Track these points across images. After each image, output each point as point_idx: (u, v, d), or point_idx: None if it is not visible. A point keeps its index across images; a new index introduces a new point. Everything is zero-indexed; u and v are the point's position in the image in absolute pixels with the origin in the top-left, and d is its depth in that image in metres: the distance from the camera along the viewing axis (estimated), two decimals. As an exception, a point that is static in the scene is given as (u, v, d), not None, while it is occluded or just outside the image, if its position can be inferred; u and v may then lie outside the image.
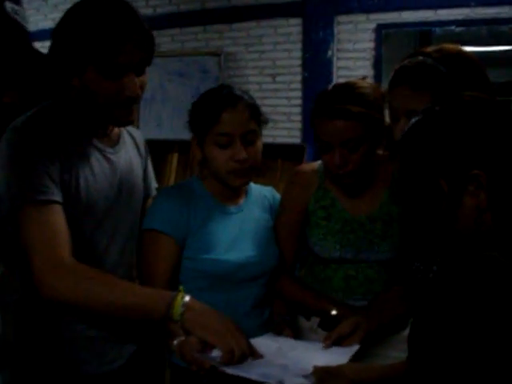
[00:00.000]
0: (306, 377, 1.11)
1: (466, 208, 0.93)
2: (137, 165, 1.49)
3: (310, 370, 1.12)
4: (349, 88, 1.39)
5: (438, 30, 3.81)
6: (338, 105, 1.35)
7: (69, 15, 1.24)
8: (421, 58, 1.27)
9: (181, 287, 1.21)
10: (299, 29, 4.16)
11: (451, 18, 3.70)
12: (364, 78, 1.50)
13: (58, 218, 1.19)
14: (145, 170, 1.55)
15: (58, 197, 1.20)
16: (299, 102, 4.21)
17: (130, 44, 1.20)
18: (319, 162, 1.56)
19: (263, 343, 1.24)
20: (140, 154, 1.53)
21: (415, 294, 1.30)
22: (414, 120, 0.99)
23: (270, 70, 4.32)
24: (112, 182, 1.35)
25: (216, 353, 1.14)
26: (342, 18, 4.02)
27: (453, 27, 3.74)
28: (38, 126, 1.22)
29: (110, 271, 1.34)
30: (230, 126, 1.36)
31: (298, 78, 4.21)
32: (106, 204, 1.33)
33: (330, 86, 1.44)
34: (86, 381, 1.33)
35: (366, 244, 1.47)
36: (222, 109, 1.36)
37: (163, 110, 4.54)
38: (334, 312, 1.42)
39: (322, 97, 1.42)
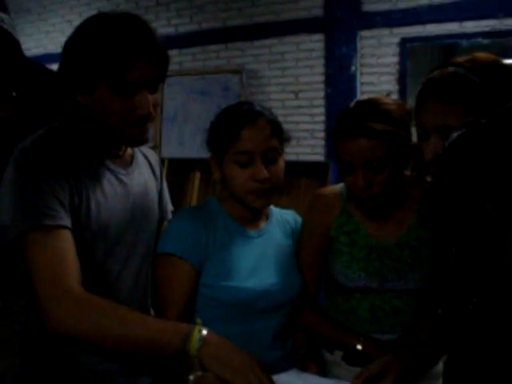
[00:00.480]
0: None
1: None
2: (151, 187, 1.43)
3: None
4: (372, 105, 1.31)
5: (464, 42, 3.72)
6: (361, 122, 1.27)
7: (79, 31, 1.19)
8: (452, 68, 1.17)
9: (198, 320, 1.15)
10: (321, 44, 4.12)
11: (477, 29, 3.61)
12: (388, 94, 1.42)
13: (66, 244, 1.13)
14: (160, 192, 1.50)
15: (66, 221, 1.14)
16: (322, 118, 4.15)
17: (142, 60, 1.15)
18: (342, 184, 1.48)
19: (288, 380, 1.16)
20: (155, 176, 1.47)
21: (451, 327, 1.20)
22: (455, 135, 0.91)
23: (292, 86, 4.27)
24: (125, 206, 1.30)
25: None
26: (365, 33, 3.96)
27: (479, 39, 3.64)
28: (46, 147, 1.17)
29: (124, 299, 1.28)
30: (250, 143, 1.29)
31: (321, 94, 4.15)
32: (118, 229, 1.27)
33: (352, 103, 1.36)
34: None
35: (393, 272, 1.38)
36: (242, 125, 1.29)
37: (185, 128, 4.52)
38: (359, 347, 1.33)
39: (344, 114, 1.34)
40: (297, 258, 1.46)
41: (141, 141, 1.26)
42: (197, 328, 1.11)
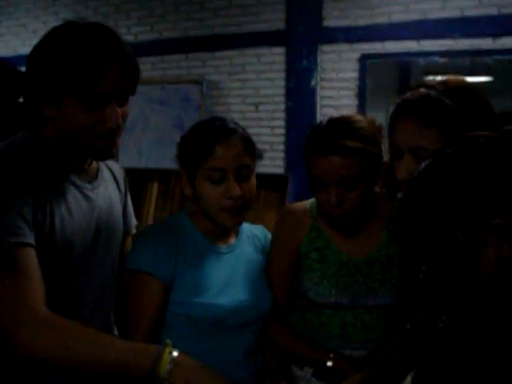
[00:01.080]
0: None
1: (486, 261, 0.85)
2: (116, 201, 1.39)
3: None
4: (344, 123, 1.31)
5: (421, 60, 3.82)
6: (334, 140, 1.27)
7: (46, 39, 1.15)
8: (424, 90, 1.20)
9: (168, 340, 1.10)
10: (282, 58, 4.14)
11: (434, 48, 3.71)
12: (360, 113, 1.43)
13: (30, 262, 1.07)
14: (124, 207, 1.46)
15: (30, 239, 1.08)
16: (282, 131, 4.17)
17: (112, 72, 1.12)
18: (310, 200, 1.48)
19: None
20: (119, 190, 1.43)
21: (419, 343, 1.21)
22: (424, 164, 0.92)
23: (252, 98, 4.28)
24: (90, 221, 1.25)
25: None
26: (325, 48, 4.00)
27: (436, 58, 3.74)
28: (9, 161, 1.12)
29: (88, 316, 1.24)
30: (223, 160, 1.28)
31: (282, 107, 4.17)
32: (83, 244, 1.22)
33: (324, 121, 1.36)
34: None
35: (363, 288, 1.38)
36: (215, 142, 1.28)
37: (144, 138, 4.46)
38: (329, 363, 1.33)
39: (316, 132, 1.34)
40: (267, 274, 1.44)
41: (109, 154, 1.22)
42: (167, 349, 1.07)
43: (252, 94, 4.28)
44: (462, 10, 3.62)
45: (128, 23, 4.70)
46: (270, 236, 1.51)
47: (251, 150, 1.34)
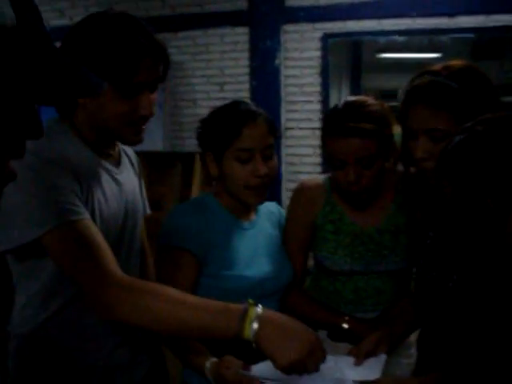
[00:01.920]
0: None
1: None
2: (136, 184, 1.45)
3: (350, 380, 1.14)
4: (360, 106, 1.41)
5: (381, 39, 3.95)
6: (352, 123, 1.37)
7: (79, 30, 1.18)
8: (429, 76, 1.30)
9: (250, 300, 1.11)
10: (246, 37, 4.18)
11: (394, 27, 3.82)
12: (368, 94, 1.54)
13: (93, 232, 1.13)
14: (140, 188, 1.51)
15: (87, 214, 1.14)
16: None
17: (146, 63, 1.17)
18: (324, 176, 1.57)
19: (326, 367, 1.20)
20: (135, 172, 1.49)
21: (429, 302, 1.33)
22: (456, 139, 1.02)
23: (217, 78, 4.31)
24: (120, 204, 1.31)
25: (258, 367, 1.12)
26: (288, 27, 4.06)
27: (396, 36, 3.88)
28: (52, 147, 1.16)
29: None
30: (250, 141, 1.36)
31: (246, 86, 4.22)
32: (116, 228, 1.28)
33: (341, 104, 1.45)
34: None
35: (375, 256, 1.50)
36: (243, 124, 1.35)
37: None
38: (345, 326, 1.44)
39: (334, 115, 1.43)
40: (285, 247, 1.53)
41: (138, 140, 1.27)
42: (251, 308, 1.08)
43: (216, 74, 4.31)
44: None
45: (86, 3, 4.59)
46: (283, 211, 1.61)
47: (274, 131, 1.42)
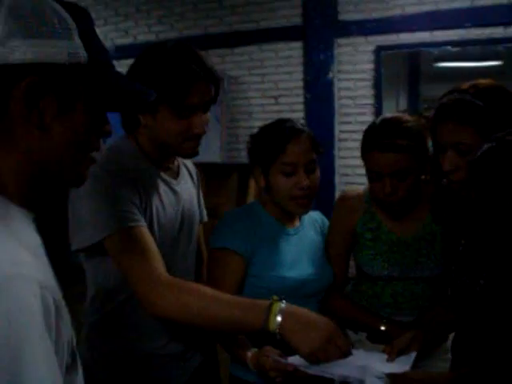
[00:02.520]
0: (379, 378, 1.24)
1: None
2: (193, 193, 1.61)
3: (382, 374, 1.24)
4: (396, 123, 1.51)
5: (434, 50, 3.97)
6: (387, 139, 1.47)
7: (141, 60, 1.35)
8: (458, 94, 1.39)
9: (274, 296, 1.23)
10: (300, 52, 4.30)
11: (447, 38, 3.84)
12: (404, 111, 1.62)
13: (147, 238, 1.28)
14: (198, 198, 1.67)
15: (143, 222, 1.30)
16: (302, 122, 4.25)
17: (199, 86, 1.32)
18: (364, 187, 1.67)
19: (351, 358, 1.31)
20: (194, 183, 1.64)
21: (459, 307, 1.40)
22: (486, 146, 1.11)
23: (272, 92, 4.45)
24: (177, 212, 1.47)
25: (293, 358, 1.23)
26: (341, 41, 4.16)
27: (448, 47, 3.89)
28: (117, 161, 1.34)
29: None
30: (294, 156, 1.48)
31: (301, 99, 4.34)
32: (172, 233, 1.44)
33: (378, 121, 1.55)
34: None
35: (411, 262, 1.58)
36: (288, 141, 1.48)
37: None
38: (383, 328, 1.52)
39: (371, 131, 1.54)
40: (326, 253, 1.64)
41: (194, 154, 1.43)
42: (275, 304, 1.20)
43: (271, 88, 4.45)
44: (473, 0, 3.75)
45: (148, 22, 4.86)
46: (326, 220, 1.71)
47: (316, 147, 1.54)
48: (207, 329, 1.35)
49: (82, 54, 0.77)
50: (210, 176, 4.63)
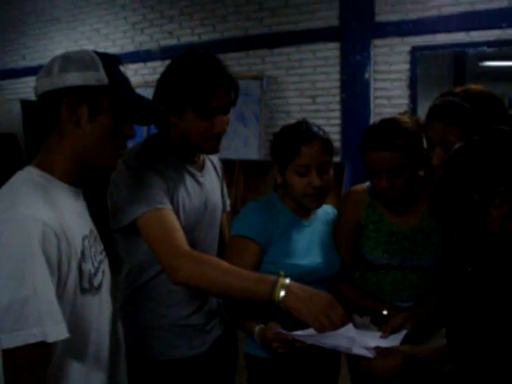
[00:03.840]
0: (368, 349, 1.38)
1: (492, 216, 1.16)
2: (216, 185, 1.77)
3: (371, 345, 1.39)
4: (393, 124, 1.63)
5: (470, 50, 4.00)
6: (383, 138, 1.59)
7: (171, 68, 1.53)
8: (450, 97, 1.51)
9: (281, 272, 1.39)
10: (337, 52, 4.41)
11: (483, 39, 3.87)
12: (404, 112, 1.74)
13: (173, 219, 1.46)
14: (221, 189, 1.83)
15: (169, 206, 1.48)
16: (338, 121, 4.44)
17: (221, 91, 1.48)
18: (368, 183, 1.79)
19: (343, 330, 1.43)
20: (218, 176, 1.81)
21: (452, 293, 1.50)
22: (457, 146, 1.22)
23: (310, 91, 4.58)
24: (201, 201, 1.63)
25: (295, 333, 1.37)
26: (377, 42, 4.24)
27: (485, 48, 3.91)
28: (149, 155, 1.52)
29: None
30: (308, 158, 1.59)
31: (337, 99, 4.45)
32: (196, 218, 1.61)
33: (377, 121, 1.67)
34: (176, 364, 1.60)
35: (409, 252, 1.70)
36: (302, 144, 1.60)
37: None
38: (385, 312, 1.63)
39: (370, 130, 1.66)
40: (334, 242, 1.76)
41: (215, 150, 1.60)
42: (280, 278, 1.37)
43: (309, 88, 4.58)
44: (510, 1, 3.77)
45: (192, 24, 5.07)
46: (336, 212, 1.83)
47: (329, 150, 1.66)
48: (221, 296, 1.53)
49: (105, 80, 1.15)
50: (248, 173, 4.80)
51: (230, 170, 4.85)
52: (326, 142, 1.64)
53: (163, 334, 1.59)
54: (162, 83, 1.54)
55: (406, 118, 1.65)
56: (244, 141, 4.82)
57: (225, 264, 1.42)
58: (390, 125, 1.63)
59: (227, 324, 1.74)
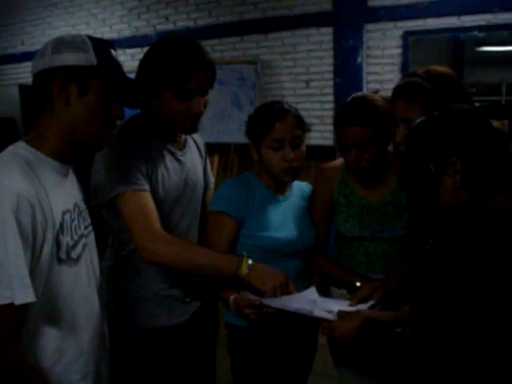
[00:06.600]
0: (329, 312, 1.47)
1: (445, 186, 1.23)
2: (198, 164, 1.84)
3: (334, 310, 1.47)
4: (363, 101, 1.70)
5: (461, 35, 4.03)
6: (353, 114, 1.67)
7: (151, 52, 1.60)
8: (412, 78, 1.60)
9: (244, 253, 1.58)
10: (330, 37, 4.44)
11: (474, 23, 3.89)
12: (376, 91, 1.81)
13: (149, 201, 1.55)
14: (204, 168, 1.90)
15: (146, 187, 1.56)
16: (331, 105, 4.49)
17: (198, 74, 1.56)
18: (341, 159, 1.86)
19: (306, 293, 1.61)
20: (201, 155, 1.88)
21: (416, 263, 1.58)
22: (418, 121, 1.29)
23: (303, 76, 4.62)
24: (180, 178, 1.70)
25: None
26: (370, 26, 4.27)
27: (476, 32, 3.94)
28: (129, 134, 1.59)
29: None
30: (281, 132, 1.68)
31: (330, 83, 4.49)
32: (175, 194, 1.68)
33: (349, 99, 1.74)
34: (157, 333, 1.68)
35: (380, 224, 1.77)
36: (275, 119, 1.68)
37: (204, 115, 4.84)
38: (358, 284, 1.71)
39: (342, 107, 1.74)
40: (310, 217, 1.83)
41: (193, 131, 1.68)
42: (245, 258, 1.56)
43: (303, 72, 4.62)
44: (501, -15, 3.79)
45: (187, 9, 5.11)
46: (312, 188, 1.91)
47: (301, 125, 1.73)
48: (193, 273, 1.65)
49: (94, 60, 1.23)
50: (244, 156, 4.86)
51: (226, 153, 4.92)
52: (298, 118, 1.72)
53: (144, 304, 1.68)
54: (143, 66, 1.61)
55: (376, 97, 1.71)
56: (239, 125, 4.85)
57: (194, 245, 1.60)
58: (359, 102, 1.71)
59: (208, 296, 1.82)
